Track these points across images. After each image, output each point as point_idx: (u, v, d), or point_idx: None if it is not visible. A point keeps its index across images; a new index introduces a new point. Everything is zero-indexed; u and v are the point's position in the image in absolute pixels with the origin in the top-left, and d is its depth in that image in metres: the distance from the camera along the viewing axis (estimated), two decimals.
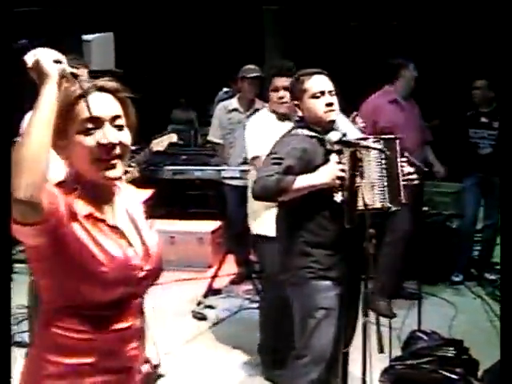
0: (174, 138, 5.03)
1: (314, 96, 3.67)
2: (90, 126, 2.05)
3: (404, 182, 3.64)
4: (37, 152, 1.87)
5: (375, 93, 6.21)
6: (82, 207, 2.07)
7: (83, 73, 4.81)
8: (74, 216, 2.03)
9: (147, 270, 2.19)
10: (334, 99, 3.68)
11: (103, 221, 2.12)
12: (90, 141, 2.05)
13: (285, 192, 3.51)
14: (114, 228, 2.15)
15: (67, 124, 2.05)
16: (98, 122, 2.06)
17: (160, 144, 5.03)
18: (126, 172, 4.73)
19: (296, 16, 9.19)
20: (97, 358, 2.10)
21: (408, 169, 3.68)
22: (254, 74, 6.21)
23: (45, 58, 1.97)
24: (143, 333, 2.26)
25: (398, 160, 3.65)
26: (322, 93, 3.66)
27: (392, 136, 3.78)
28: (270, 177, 3.49)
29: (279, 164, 3.52)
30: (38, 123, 1.90)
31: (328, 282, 3.61)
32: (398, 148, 3.67)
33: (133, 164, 4.87)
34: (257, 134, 4.56)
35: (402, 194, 3.62)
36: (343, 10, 9.29)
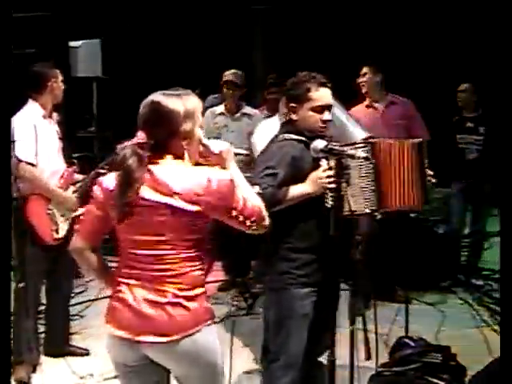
0: None
1: (315, 108, 3.63)
2: None
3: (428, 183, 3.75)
4: None
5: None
6: None
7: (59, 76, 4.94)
8: None
9: None
10: (330, 116, 3.68)
11: None
12: None
13: (279, 204, 3.52)
14: None
15: None
16: None
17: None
18: (99, 174, 4.78)
19: (284, 14, 9.22)
20: None
21: (428, 172, 3.76)
22: (226, 79, 6.30)
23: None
24: None
25: (425, 161, 3.74)
26: (324, 108, 3.64)
27: (377, 140, 3.78)
28: (264, 190, 3.48)
29: (272, 175, 3.53)
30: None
31: (307, 289, 3.63)
32: (424, 151, 3.76)
33: (102, 166, 4.91)
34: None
35: (426, 195, 3.72)
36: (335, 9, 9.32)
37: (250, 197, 2.83)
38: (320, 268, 3.62)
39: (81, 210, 5.03)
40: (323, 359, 3.71)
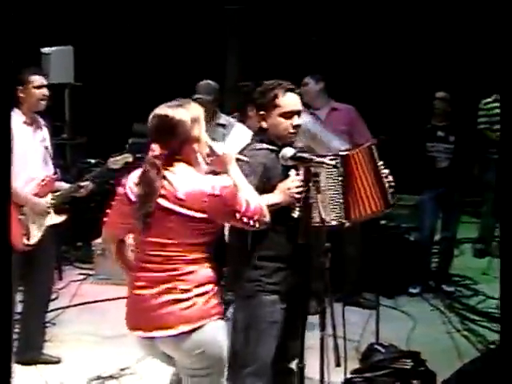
0: (129, 158, 5.20)
1: (284, 115, 3.64)
2: None
3: (387, 184, 3.72)
4: None
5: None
6: None
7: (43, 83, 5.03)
8: None
9: None
10: (300, 120, 3.70)
11: None
12: None
13: None
14: None
15: None
16: None
17: (116, 163, 5.20)
18: (81, 187, 5.06)
19: (259, 14, 9.24)
20: None
21: (385, 171, 3.74)
22: (198, 96, 5.95)
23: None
24: None
25: (379, 163, 3.72)
26: (293, 113, 3.65)
27: (347, 153, 3.78)
28: None
29: None
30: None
31: (275, 296, 3.65)
32: (375, 152, 3.73)
33: (88, 178, 5.15)
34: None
35: (390, 195, 3.70)
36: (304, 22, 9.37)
37: (250, 197, 3.06)
38: (288, 276, 3.65)
39: (57, 219, 5.02)
40: (293, 366, 3.73)
